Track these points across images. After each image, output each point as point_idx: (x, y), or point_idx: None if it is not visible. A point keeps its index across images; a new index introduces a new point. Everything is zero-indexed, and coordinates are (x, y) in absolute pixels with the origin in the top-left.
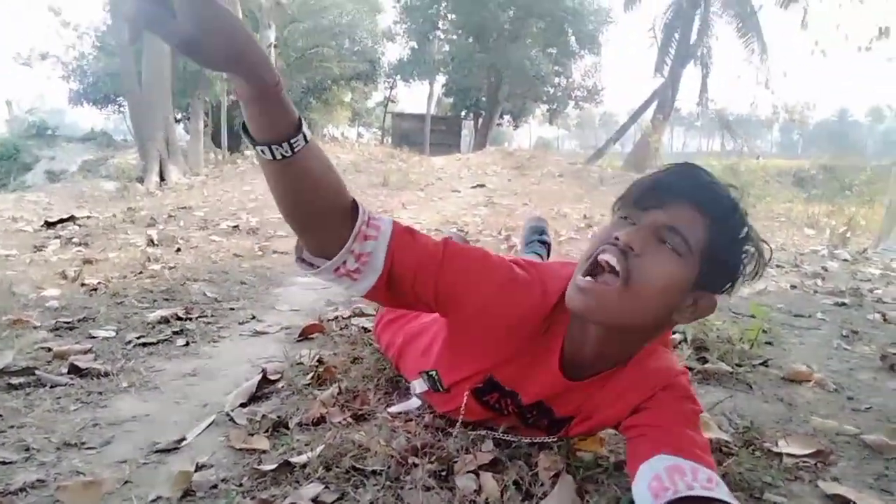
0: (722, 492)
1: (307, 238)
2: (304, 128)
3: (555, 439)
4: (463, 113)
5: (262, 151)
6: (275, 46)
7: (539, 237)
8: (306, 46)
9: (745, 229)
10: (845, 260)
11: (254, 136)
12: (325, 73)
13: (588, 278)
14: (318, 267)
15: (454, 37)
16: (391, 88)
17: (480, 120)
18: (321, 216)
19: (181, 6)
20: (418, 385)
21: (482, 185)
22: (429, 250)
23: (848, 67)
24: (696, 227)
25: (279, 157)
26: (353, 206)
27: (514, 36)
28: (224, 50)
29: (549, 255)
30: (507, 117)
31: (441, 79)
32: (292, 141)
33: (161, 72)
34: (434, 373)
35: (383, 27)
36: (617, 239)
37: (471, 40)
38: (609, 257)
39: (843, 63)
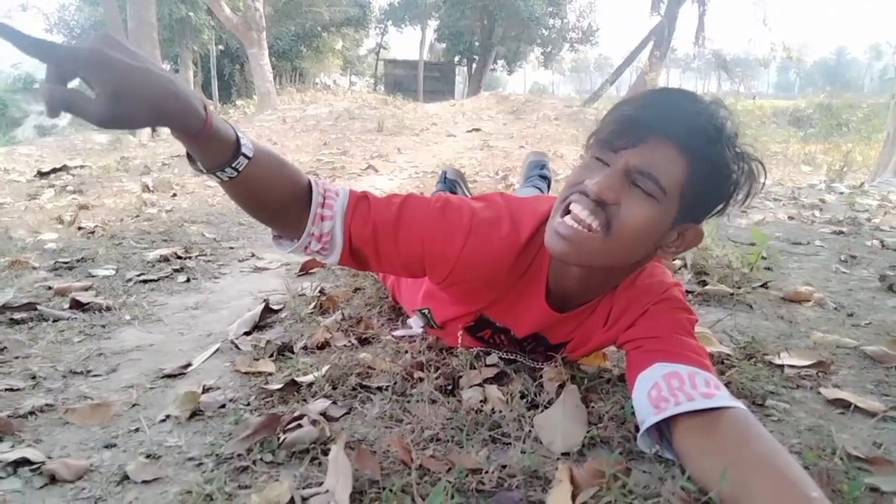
0: (722, 395)
1: (274, 227)
2: (244, 146)
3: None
4: (456, 59)
5: (210, 176)
6: None
7: (539, 171)
8: None
9: (735, 151)
10: (842, 193)
11: (199, 166)
12: (315, 18)
13: (566, 220)
14: (291, 245)
15: None
16: (382, 34)
17: (474, 66)
18: (280, 210)
19: (95, 82)
20: (414, 322)
21: (478, 130)
22: (384, 217)
23: (847, 3)
24: (672, 165)
25: (226, 178)
26: (310, 189)
27: None
28: (146, 113)
29: (549, 189)
30: (500, 62)
31: (433, 24)
32: (234, 164)
33: (147, 21)
34: (426, 310)
35: None
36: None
37: None
38: (580, 210)
39: None
